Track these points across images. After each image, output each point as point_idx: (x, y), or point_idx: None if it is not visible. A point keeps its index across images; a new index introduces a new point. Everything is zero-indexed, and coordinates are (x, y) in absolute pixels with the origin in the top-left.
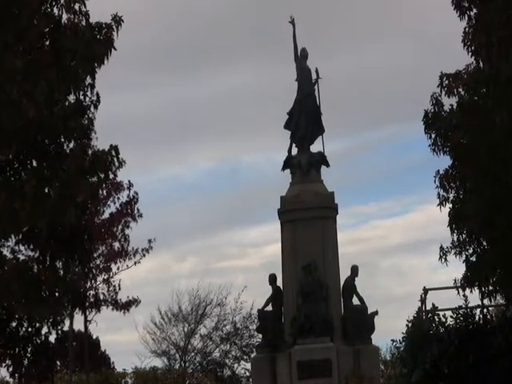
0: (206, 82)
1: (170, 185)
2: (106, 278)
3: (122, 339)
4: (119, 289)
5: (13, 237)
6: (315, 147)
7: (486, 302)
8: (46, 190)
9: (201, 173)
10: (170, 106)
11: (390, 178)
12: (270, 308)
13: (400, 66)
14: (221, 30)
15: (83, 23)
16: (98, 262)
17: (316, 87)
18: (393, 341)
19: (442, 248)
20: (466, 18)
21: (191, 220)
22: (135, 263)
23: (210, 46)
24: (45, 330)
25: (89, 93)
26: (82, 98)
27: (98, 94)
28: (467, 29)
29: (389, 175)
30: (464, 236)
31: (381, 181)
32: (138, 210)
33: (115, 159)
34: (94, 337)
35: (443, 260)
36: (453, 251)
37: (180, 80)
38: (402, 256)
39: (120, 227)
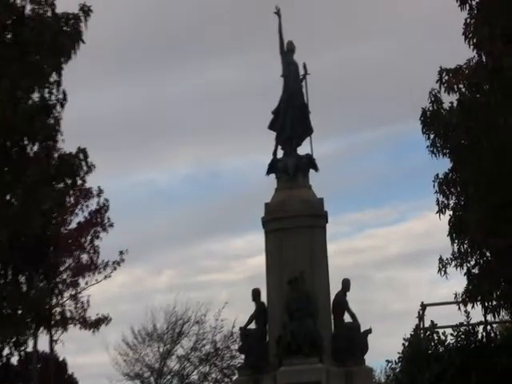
0: (184, 79)
1: (144, 191)
2: (73, 293)
3: (92, 361)
4: (88, 306)
5: None
6: (303, 149)
7: (489, 318)
8: (8, 197)
9: (178, 178)
10: (144, 105)
11: (387, 183)
12: (253, 326)
13: (396, 62)
14: (200, 23)
15: (49, 14)
16: (64, 277)
17: (304, 83)
18: (388, 361)
19: (441, 259)
20: (467, 7)
21: (168, 230)
22: (105, 277)
23: (187, 40)
24: (6, 351)
25: (55, 90)
26: (47, 95)
27: (64, 91)
28: (468, 20)
29: (385, 180)
30: (465, 246)
31: (376, 186)
32: (108, 218)
33: (83, 163)
34: (61, 358)
35: (443, 273)
36: (453, 263)
37: (155, 77)
38: (400, 268)
39: (89, 238)
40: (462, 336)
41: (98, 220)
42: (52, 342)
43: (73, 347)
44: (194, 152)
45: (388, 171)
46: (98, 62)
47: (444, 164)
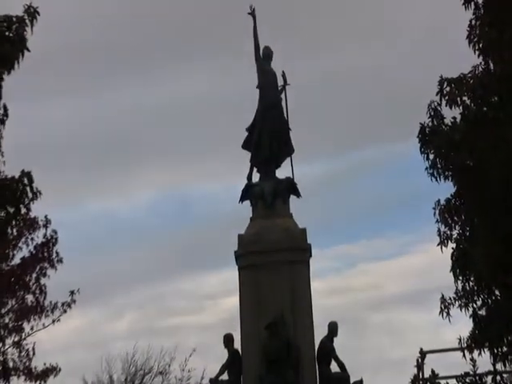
0: (146, 92)
1: (101, 222)
2: (16, 340)
3: None
4: (33, 354)
5: None
6: (282, 172)
7: (498, 366)
8: None
9: (141, 207)
10: (99, 122)
11: (382, 211)
12: (225, 377)
13: (391, 69)
14: (164, 25)
15: None
16: (6, 320)
17: (283, 95)
18: None
19: (443, 299)
20: (472, 6)
21: (130, 266)
22: (54, 321)
23: (149, 45)
24: None
25: None
26: None
27: (5, 106)
28: (473, 21)
29: (380, 207)
30: (471, 284)
31: (370, 214)
32: (57, 253)
33: (28, 189)
34: None
35: (445, 314)
36: (457, 303)
37: (111, 89)
38: (398, 309)
39: (34, 275)
40: None
41: (44, 255)
42: None
43: None
44: (158, 176)
45: (384, 197)
46: (45, 73)
47: (446, 188)
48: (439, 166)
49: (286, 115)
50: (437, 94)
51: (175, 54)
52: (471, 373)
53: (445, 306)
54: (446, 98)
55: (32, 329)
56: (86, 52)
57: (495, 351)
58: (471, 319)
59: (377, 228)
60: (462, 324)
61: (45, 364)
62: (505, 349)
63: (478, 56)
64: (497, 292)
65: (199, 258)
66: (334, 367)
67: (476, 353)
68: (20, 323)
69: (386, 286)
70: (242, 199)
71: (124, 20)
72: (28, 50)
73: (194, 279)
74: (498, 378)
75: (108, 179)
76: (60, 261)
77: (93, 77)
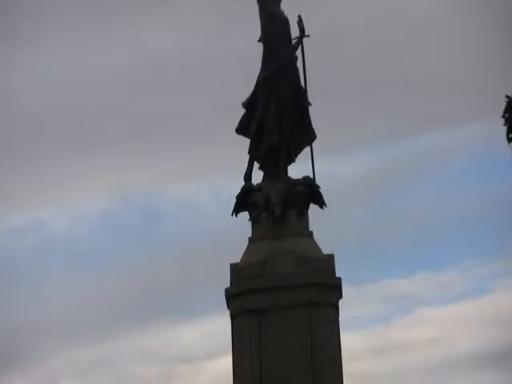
0: (102, 53)
1: (26, 240)
2: None
3: None
4: None
5: None
6: (298, 169)
7: None
8: None
9: (85, 220)
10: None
11: (451, 227)
12: None
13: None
14: None
15: None
16: None
17: (300, 53)
18: None
19: None
20: None
21: (67, 310)
22: None
23: None
24: None
25: None
26: None
27: None
28: None
29: (448, 221)
30: None
31: (433, 232)
32: None
33: None
34: None
35: None
36: None
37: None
38: (474, 375)
39: None
40: None
41: None
42: None
43: None
44: (111, 175)
45: (452, 205)
46: None
47: None
48: None
49: (303, 83)
50: None
51: None
52: None
53: None
54: None
55: None
56: None
57: None
58: None
59: (443, 254)
60: None
61: None
62: None
63: None
64: None
65: (171, 300)
66: None
67: None
68: None
69: (457, 341)
70: (237, 210)
71: None
72: None
73: (162, 332)
74: None
75: (37, 179)
76: None
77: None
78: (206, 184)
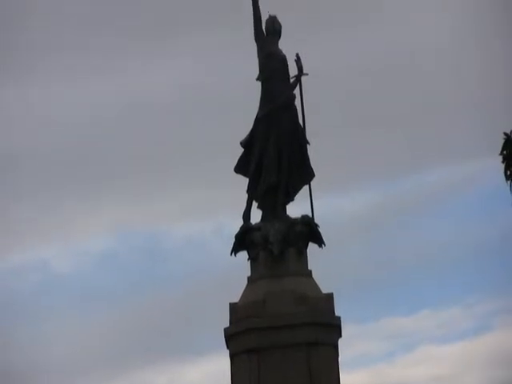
0: (102, 89)
1: (28, 278)
2: None
3: None
4: None
5: None
6: (297, 208)
7: None
8: None
9: (89, 258)
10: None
11: (454, 264)
12: None
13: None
14: None
15: None
16: None
17: (298, 91)
18: None
19: None
20: None
21: (73, 350)
22: None
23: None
24: None
25: None
26: None
27: None
28: None
29: (451, 258)
30: None
31: (436, 269)
32: None
33: None
34: None
35: None
36: None
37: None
38: None
39: None
40: None
41: None
42: None
43: None
44: (115, 213)
45: (456, 242)
46: None
47: None
48: None
49: (301, 122)
50: None
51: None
52: None
53: None
54: None
55: None
56: None
57: None
58: None
59: (446, 291)
60: None
61: None
62: None
63: None
64: None
65: (175, 339)
66: None
67: None
68: None
69: (460, 379)
70: (236, 250)
71: None
72: None
73: (166, 371)
74: None
75: (39, 215)
76: None
77: None
78: (208, 222)
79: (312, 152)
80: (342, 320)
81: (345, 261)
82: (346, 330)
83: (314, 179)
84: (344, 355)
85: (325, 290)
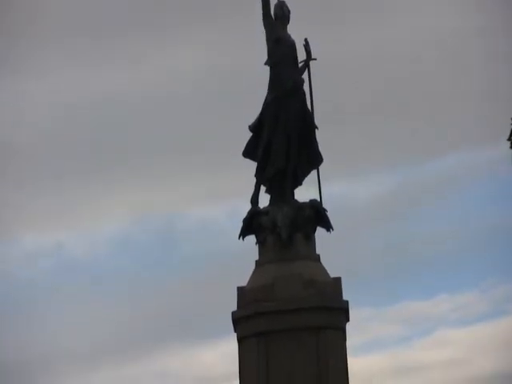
0: (114, 74)
1: (40, 264)
2: None
3: None
4: None
5: None
6: (305, 192)
7: None
8: None
9: (103, 242)
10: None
11: (471, 249)
12: None
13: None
14: None
15: None
16: None
17: (306, 76)
18: None
19: None
20: None
21: (86, 335)
22: None
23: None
24: None
25: None
26: None
27: None
28: None
29: (468, 243)
30: None
31: (452, 254)
32: None
33: None
34: None
35: None
36: None
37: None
38: None
39: None
40: None
41: None
42: None
43: None
44: (129, 197)
45: (471, 227)
46: None
47: None
48: None
49: (310, 106)
50: None
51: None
52: None
53: None
54: None
55: None
56: None
57: None
58: None
59: (463, 276)
60: None
61: None
62: None
63: None
64: None
65: (190, 322)
66: None
67: None
68: None
69: (476, 362)
70: (244, 233)
71: None
72: None
73: (181, 354)
74: None
75: (51, 200)
76: None
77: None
78: (222, 205)
79: (326, 137)
80: (357, 304)
81: (363, 245)
82: (363, 313)
83: (329, 165)
84: (361, 339)
85: (332, 273)
